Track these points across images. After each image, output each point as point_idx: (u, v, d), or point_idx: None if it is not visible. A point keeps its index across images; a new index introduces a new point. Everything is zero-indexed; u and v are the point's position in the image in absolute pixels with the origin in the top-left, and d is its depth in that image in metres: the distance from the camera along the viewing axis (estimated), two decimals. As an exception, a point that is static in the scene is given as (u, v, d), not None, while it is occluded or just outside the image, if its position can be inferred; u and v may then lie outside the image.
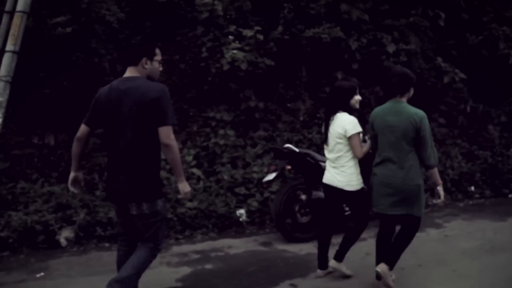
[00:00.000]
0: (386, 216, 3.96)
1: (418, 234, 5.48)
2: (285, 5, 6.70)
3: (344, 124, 3.90)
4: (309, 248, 5.12)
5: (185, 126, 6.51)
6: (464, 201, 6.86)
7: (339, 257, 4.25)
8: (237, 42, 6.17)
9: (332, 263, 4.26)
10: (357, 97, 4.02)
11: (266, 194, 5.91)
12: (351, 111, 4.02)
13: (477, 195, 7.68)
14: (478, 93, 8.33)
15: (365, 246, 5.11)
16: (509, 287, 4.24)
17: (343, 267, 4.28)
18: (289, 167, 5.25)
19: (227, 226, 5.72)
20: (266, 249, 5.15)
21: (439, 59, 7.46)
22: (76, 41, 5.73)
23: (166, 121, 3.16)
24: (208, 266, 4.63)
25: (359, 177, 4.01)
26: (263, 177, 5.62)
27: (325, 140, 4.10)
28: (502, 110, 9.04)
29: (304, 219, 5.39)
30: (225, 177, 5.97)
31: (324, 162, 5.45)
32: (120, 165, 3.25)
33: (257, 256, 4.91)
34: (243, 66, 6.03)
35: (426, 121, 3.71)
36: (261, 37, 6.28)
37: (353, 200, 4.09)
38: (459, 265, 4.74)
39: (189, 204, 5.62)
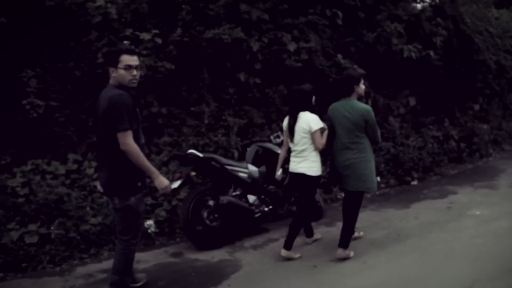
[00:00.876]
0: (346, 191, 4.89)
1: (328, 229, 5.63)
2: (183, 6, 6.51)
3: (309, 121, 4.62)
4: (222, 255, 5.03)
5: (85, 137, 6.11)
6: (371, 192, 7.08)
7: (287, 246, 4.84)
8: (133, 46, 5.88)
9: (283, 252, 4.83)
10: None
11: (174, 202, 5.70)
12: (312, 109, 4.77)
13: (382, 185, 8.00)
14: (377, 87, 8.71)
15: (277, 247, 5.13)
16: (415, 272, 4.42)
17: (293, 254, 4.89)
18: (193, 173, 5.10)
19: (136, 239, 5.44)
20: (177, 260, 4.95)
21: (339, 56, 7.67)
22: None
23: (118, 127, 3.47)
24: (115, 285, 4.36)
25: (319, 165, 4.74)
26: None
27: (291, 136, 4.76)
28: (400, 102, 9.54)
29: (215, 224, 5.27)
30: (130, 188, 5.67)
31: (230, 165, 5.41)
32: (98, 164, 3.84)
33: (168, 269, 4.72)
34: (141, 72, 5.76)
35: (372, 114, 4.62)
36: (159, 40, 6.05)
37: (311, 185, 4.75)
38: (369, 256, 4.88)
39: (92, 220, 5.27)
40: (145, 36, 5.99)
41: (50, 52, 6.01)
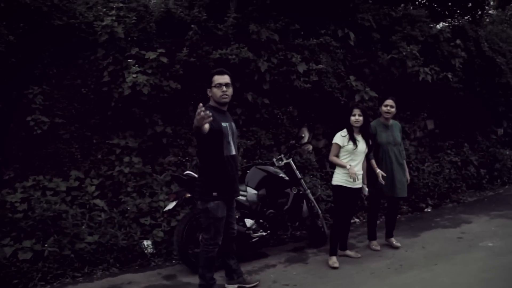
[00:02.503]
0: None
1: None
2: (192, 26, 6.52)
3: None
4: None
5: (89, 154, 6.13)
6: (381, 219, 6.86)
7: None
8: (136, 66, 5.91)
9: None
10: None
11: (173, 223, 5.64)
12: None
13: (398, 211, 7.73)
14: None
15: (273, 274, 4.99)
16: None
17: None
18: (188, 194, 5.02)
19: (131, 259, 5.38)
20: (169, 282, 4.87)
21: (351, 78, 7.52)
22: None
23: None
24: (102, 307, 4.31)
25: (340, 175, 5.18)
26: (171, 205, 5.36)
27: None
28: (417, 125, 9.29)
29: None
30: (129, 208, 5.64)
31: None
32: None
33: (158, 291, 4.64)
34: (145, 90, 5.77)
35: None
36: (164, 59, 6.05)
37: (333, 193, 5.41)
38: (366, 286, 4.69)
39: (89, 239, 5.25)
40: (151, 55, 6.01)
41: (58, 69, 6.08)
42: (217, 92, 4.21)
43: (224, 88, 4.19)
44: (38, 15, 5.97)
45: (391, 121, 5.86)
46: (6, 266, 4.76)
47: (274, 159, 6.04)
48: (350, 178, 5.02)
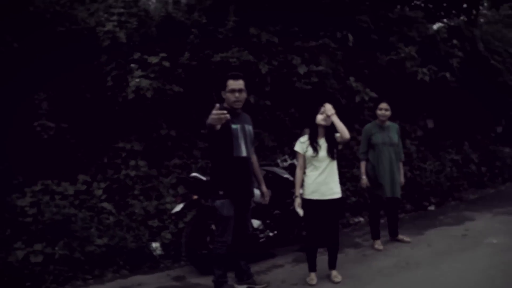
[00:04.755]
0: None
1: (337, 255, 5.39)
2: (192, 30, 6.60)
3: None
4: (223, 279, 4.95)
5: (95, 158, 6.19)
6: (385, 218, 6.91)
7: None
8: (139, 70, 5.98)
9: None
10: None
11: (181, 225, 5.68)
12: None
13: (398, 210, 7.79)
14: (392, 109, 8.58)
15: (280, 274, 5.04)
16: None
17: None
18: (195, 196, 5.07)
19: (141, 261, 5.41)
20: (179, 284, 4.91)
21: (351, 79, 7.61)
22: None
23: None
24: (114, 308, 4.36)
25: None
26: (178, 207, 5.41)
27: None
28: (417, 125, 9.38)
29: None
30: (137, 210, 5.70)
31: None
32: None
33: (168, 292, 4.68)
34: (149, 94, 5.85)
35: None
36: (166, 63, 6.13)
37: None
38: (374, 286, 4.72)
39: (98, 241, 5.29)
40: (153, 59, 6.10)
41: (62, 75, 6.14)
42: (230, 97, 4.29)
43: (237, 94, 4.27)
44: (42, 21, 6.04)
45: (388, 123, 5.96)
46: (19, 269, 4.82)
47: (279, 160, 6.10)
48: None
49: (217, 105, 3.85)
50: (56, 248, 5.07)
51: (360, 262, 5.41)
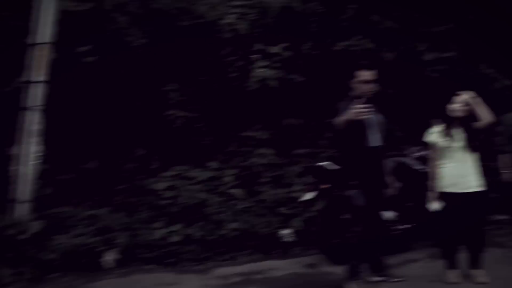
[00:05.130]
0: None
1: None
2: (311, 19, 6.58)
3: None
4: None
5: (224, 146, 6.40)
6: None
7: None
8: (262, 61, 6.08)
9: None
10: None
11: (311, 214, 5.67)
12: None
13: None
14: None
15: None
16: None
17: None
18: (326, 186, 5.01)
19: (271, 247, 5.51)
20: (311, 271, 4.92)
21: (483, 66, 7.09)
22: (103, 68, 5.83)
23: None
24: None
25: None
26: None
27: None
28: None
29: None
30: (266, 197, 5.80)
31: None
32: None
33: (302, 279, 4.69)
34: (274, 84, 5.92)
35: None
36: (288, 53, 6.17)
37: None
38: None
39: (231, 226, 5.47)
40: (275, 49, 6.15)
41: (189, 67, 6.42)
42: (361, 87, 4.29)
43: (370, 85, 4.29)
44: (168, 17, 6.37)
45: None
46: (159, 247, 5.15)
47: (409, 151, 5.88)
48: None
49: (358, 100, 3.90)
50: (193, 230, 5.32)
51: (508, 263, 4.90)
